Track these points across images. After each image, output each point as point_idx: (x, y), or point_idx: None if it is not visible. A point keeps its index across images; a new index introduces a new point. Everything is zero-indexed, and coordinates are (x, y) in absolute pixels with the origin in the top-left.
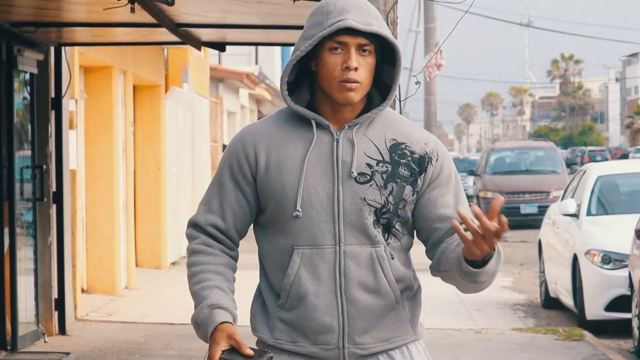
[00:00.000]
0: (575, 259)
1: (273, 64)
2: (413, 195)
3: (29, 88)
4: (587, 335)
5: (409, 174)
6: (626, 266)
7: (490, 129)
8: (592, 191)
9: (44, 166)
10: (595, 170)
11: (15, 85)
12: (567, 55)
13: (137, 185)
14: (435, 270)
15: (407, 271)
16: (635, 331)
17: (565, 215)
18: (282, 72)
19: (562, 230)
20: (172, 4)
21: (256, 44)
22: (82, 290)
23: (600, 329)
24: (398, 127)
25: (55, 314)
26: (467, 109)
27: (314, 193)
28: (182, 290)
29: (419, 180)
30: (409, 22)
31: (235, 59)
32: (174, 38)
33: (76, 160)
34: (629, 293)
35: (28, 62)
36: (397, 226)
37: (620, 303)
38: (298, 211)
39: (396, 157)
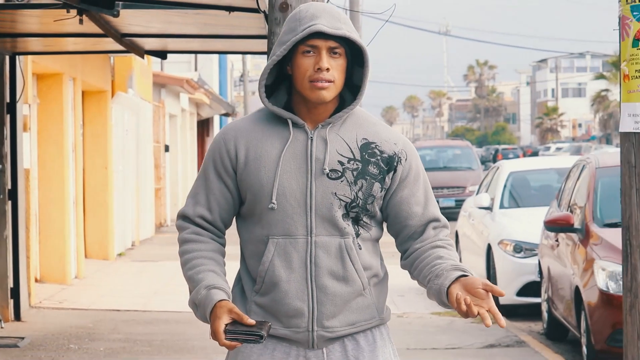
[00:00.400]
0: (489, 248)
1: (211, 71)
2: (381, 191)
3: None
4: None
5: (378, 172)
6: (536, 255)
7: (411, 130)
8: (505, 186)
9: (0, 166)
10: (508, 167)
11: None
12: (482, 61)
13: (85, 182)
14: (406, 270)
15: (375, 260)
16: (544, 314)
17: (480, 208)
18: (260, 77)
19: (477, 222)
20: (117, 15)
21: (196, 52)
22: (36, 280)
23: (512, 312)
24: (369, 127)
25: (11, 301)
26: (390, 111)
27: (289, 187)
28: (127, 279)
29: (387, 178)
30: None
31: (176, 66)
32: (119, 47)
33: (30, 160)
34: (538, 279)
35: None
36: (365, 219)
37: (530, 289)
38: (273, 203)
39: (366, 156)
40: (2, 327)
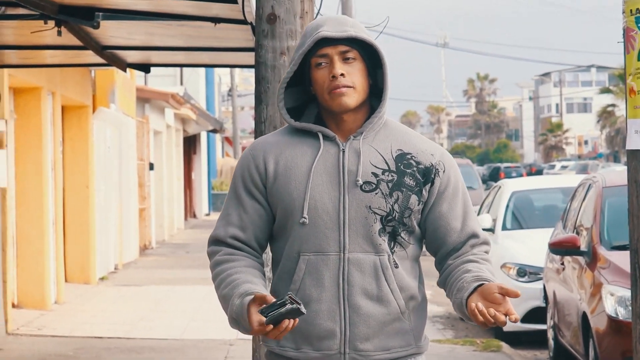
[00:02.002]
0: None
1: (197, 85)
2: (419, 204)
3: None
4: (504, 346)
5: (414, 183)
6: (541, 279)
7: None
8: (507, 206)
9: None
10: (510, 186)
11: None
12: (482, 75)
13: (66, 202)
14: (442, 288)
15: (412, 281)
16: (551, 342)
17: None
18: (277, 96)
19: None
20: (97, 27)
21: (181, 65)
22: (13, 305)
23: (516, 340)
24: (404, 137)
25: None
26: None
27: (320, 201)
28: (110, 304)
29: (424, 190)
30: None
31: (161, 80)
32: (101, 60)
33: (6, 179)
34: (544, 305)
35: None
36: (403, 235)
37: (535, 315)
38: (305, 218)
39: (402, 167)
40: None
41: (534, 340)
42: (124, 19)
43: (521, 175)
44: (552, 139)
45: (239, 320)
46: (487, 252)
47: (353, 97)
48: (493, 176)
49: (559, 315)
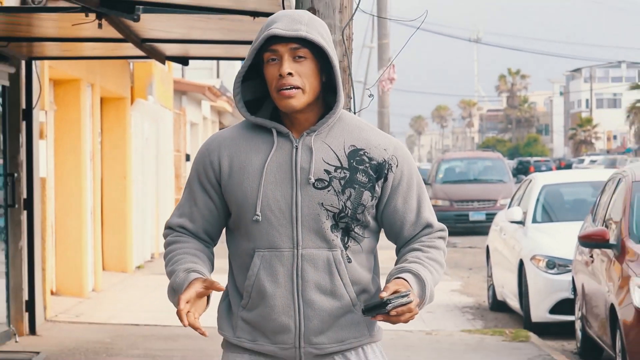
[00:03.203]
0: (521, 264)
1: (233, 78)
2: (372, 200)
3: (0, 100)
4: (533, 336)
5: (367, 180)
6: (570, 271)
7: (440, 140)
8: (537, 200)
9: (15, 174)
10: (540, 180)
11: None
12: (514, 70)
13: (104, 192)
14: None
15: (366, 273)
16: (578, 333)
17: (511, 222)
18: (233, 90)
19: (509, 236)
20: (137, 20)
21: (218, 59)
22: (52, 293)
23: (544, 330)
24: (358, 133)
25: (26, 315)
26: (419, 121)
27: (273, 198)
28: (147, 292)
29: (376, 186)
30: (363, 38)
31: (198, 73)
32: (140, 52)
33: (46, 169)
34: (572, 297)
35: (0, 75)
36: (357, 230)
37: (564, 306)
38: (258, 215)
39: (354, 164)
40: (16, 342)
41: (562, 331)
42: (163, 12)
43: (550, 169)
44: (581, 133)
45: (175, 292)
46: (441, 238)
47: (300, 99)
48: (520, 170)
49: (587, 306)
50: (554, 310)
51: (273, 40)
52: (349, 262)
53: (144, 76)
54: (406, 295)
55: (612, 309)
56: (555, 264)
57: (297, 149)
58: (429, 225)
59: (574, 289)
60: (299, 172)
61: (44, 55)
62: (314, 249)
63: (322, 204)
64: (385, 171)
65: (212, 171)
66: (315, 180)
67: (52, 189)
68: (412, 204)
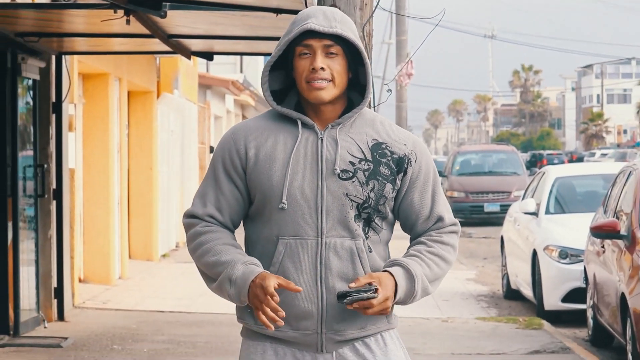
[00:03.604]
0: (534, 253)
1: (257, 72)
2: (393, 192)
3: (31, 93)
4: (546, 324)
5: (389, 172)
6: (582, 261)
7: (456, 134)
8: (551, 191)
9: (45, 165)
10: (553, 172)
11: (19, 90)
12: (527, 66)
13: (130, 183)
14: None
15: (383, 264)
16: (590, 321)
17: (525, 213)
18: (261, 79)
19: (523, 227)
20: (164, 16)
21: (241, 54)
22: (80, 280)
23: (557, 318)
24: (379, 127)
25: (55, 301)
26: (435, 115)
27: (299, 187)
28: (171, 280)
29: (397, 179)
30: (382, 35)
31: (222, 68)
32: (166, 48)
33: (75, 160)
34: (584, 286)
35: (31, 70)
36: (377, 221)
37: (576, 295)
38: (284, 203)
39: (377, 156)
40: (45, 327)
41: (574, 319)
42: (189, 9)
43: (562, 162)
44: (592, 128)
45: (235, 283)
46: (452, 232)
47: (330, 91)
48: (533, 162)
49: (598, 295)
50: (566, 298)
51: (307, 34)
52: (370, 251)
53: (169, 71)
54: (369, 291)
55: (622, 297)
56: (567, 254)
57: (322, 140)
58: (440, 220)
59: (586, 278)
60: (324, 163)
61: (73, 50)
62: (337, 238)
63: (346, 194)
64: (405, 165)
65: (239, 159)
66: (341, 171)
67: (81, 180)
68: (427, 199)
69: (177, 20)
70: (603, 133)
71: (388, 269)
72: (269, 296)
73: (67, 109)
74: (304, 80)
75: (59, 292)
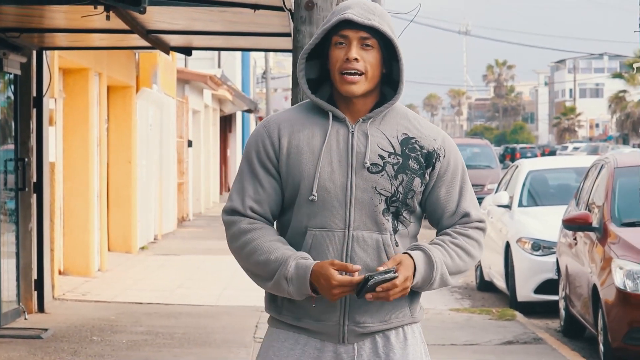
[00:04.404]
0: (507, 246)
1: (234, 67)
2: (421, 187)
3: (12, 88)
4: (518, 315)
5: (418, 167)
6: (554, 253)
7: None
8: (524, 184)
9: (26, 159)
10: (527, 166)
11: (1, 85)
12: (500, 61)
13: (109, 176)
14: None
15: None
16: (562, 312)
17: (499, 206)
18: (297, 67)
19: (496, 219)
20: (144, 12)
21: (219, 49)
22: (59, 272)
23: (529, 309)
24: (409, 122)
25: (35, 293)
26: (410, 108)
27: (329, 180)
28: (149, 272)
29: (426, 174)
30: None
31: (200, 63)
32: (145, 43)
33: (55, 154)
34: (556, 277)
35: (12, 65)
36: (405, 214)
37: (548, 286)
38: (314, 195)
39: (407, 151)
40: (25, 319)
41: (547, 310)
42: (168, 5)
43: (535, 156)
44: (565, 122)
45: (292, 280)
46: (478, 229)
47: (362, 85)
48: (505, 156)
49: (571, 287)
50: (538, 290)
51: (345, 24)
52: (397, 245)
53: (148, 66)
54: (390, 272)
55: (594, 289)
56: (540, 246)
57: (353, 134)
58: (466, 215)
59: (558, 270)
60: (354, 157)
61: (54, 45)
62: (364, 231)
63: (375, 187)
64: (434, 160)
65: (273, 151)
66: (371, 164)
67: (61, 173)
68: (454, 195)
69: (156, 16)
70: (575, 127)
71: (409, 251)
72: (334, 281)
73: (48, 103)
74: (338, 71)
75: (39, 284)
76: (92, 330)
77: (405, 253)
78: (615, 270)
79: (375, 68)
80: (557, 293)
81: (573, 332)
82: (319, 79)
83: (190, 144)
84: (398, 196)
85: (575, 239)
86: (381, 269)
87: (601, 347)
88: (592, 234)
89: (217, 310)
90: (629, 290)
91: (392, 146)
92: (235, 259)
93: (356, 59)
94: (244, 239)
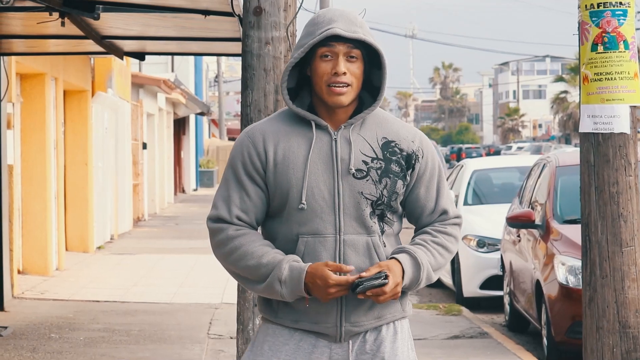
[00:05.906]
0: None
1: (187, 71)
2: (403, 188)
3: None
4: (465, 310)
5: (399, 169)
6: (498, 250)
7: None
8: (469, 183)
9: None
10: (471, 166)
11: None
12: (447, 64)
13: (67, 178)
14: None
15: None
16: (507, 307)
17: None
18: (281, 79)
19: None
20: (97, 18)
21: (172, 54)
22: (19, 272)
23: (475, 305)
24: (387, 125)
25: None
26: None
27: (317, 187)
28: (106, 271)
29: (407, 175)
30: None
31: (154, 67)
32: (100, 48)
33: (13, 157)
34: (500, 273)
35: None
36: (389, 215)
37: (493, 282)
38: (303, 204)
39: (388, 155)
40: None
41: (492, 306)
42: (122, 11)
43: (480, 156)
44: (509, 122)
45: (286, 282)
46: (455, 225)
47: (349, 95)
48: (451, 156)
49: (515, 282)
50: (484, 286)
51: (331, 38)
52: (384, 246)
53: (103, 70)
54: (380, 278)
55: (537, 284)
56: (485, 243)
57: (336, 141)
58: (444, 212)
59: (503, 266)
60: (339, 163)
61: (11, 51)
62: (354, 235)
63: (361, 192)
64: (413, 162)
65: (259, 161)
66: (355, 170)
67: (19, 175)
68: (432, 193)
69: (111, 22)
70: (519, 127)
71: (395, 255)
72: (331, 281)
73: (6, 107)
74: (325, 84)
75: None
76: (51, 328)
77: (392, 258)
78: (558, 266)
79: (359, 78)
80: (502, 289)
81: (517, 326)
82: (297, 86)
83: (145, 146)
84: (383, 199)
85: (519, 236)
86: (366, 274)
87: (545, 340)
88: (535, 231)
89: (172, 308)
90: (571, 285)
91: (374, 151)
92: (221, 264)
93: (344, 73)
94: (232, 244)
